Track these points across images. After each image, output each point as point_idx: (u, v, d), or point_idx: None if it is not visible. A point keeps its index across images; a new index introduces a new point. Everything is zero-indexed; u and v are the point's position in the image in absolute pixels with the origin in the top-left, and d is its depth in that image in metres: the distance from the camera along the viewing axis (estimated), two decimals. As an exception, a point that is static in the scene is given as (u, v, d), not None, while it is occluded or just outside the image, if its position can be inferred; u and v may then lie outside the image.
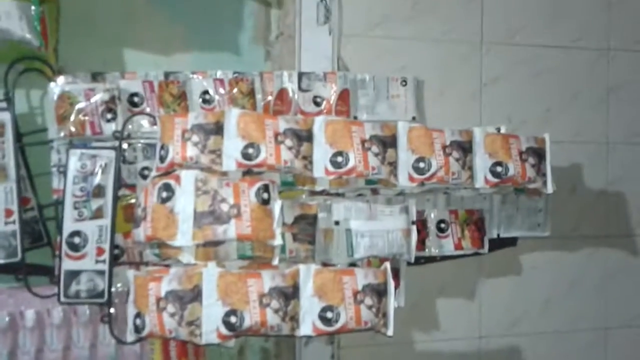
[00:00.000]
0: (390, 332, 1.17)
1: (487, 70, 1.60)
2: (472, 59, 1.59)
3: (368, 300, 1.16)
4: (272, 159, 1.17)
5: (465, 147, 1.29)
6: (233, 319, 1.08)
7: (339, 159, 1.21)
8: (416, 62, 1.53)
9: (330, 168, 1.21)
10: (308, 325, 1.13)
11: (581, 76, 1.70)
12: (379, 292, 1.17)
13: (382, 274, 1.19)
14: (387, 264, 1.20)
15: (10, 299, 1.20)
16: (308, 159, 1.21)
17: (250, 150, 1.16)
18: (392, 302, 1.18)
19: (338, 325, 1.13)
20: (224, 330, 1.09)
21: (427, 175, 1.26)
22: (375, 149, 1.24)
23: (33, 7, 1.16)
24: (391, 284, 1.19)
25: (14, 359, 1.19)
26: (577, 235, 1.69)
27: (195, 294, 1.08)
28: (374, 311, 1.17)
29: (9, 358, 1.18)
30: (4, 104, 1.19)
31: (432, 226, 1.42)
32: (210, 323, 1.08)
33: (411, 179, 1.26)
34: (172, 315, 1.08)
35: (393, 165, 1.25)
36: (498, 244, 1.50)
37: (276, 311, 1.10)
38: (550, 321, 1.69)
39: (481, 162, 1.30)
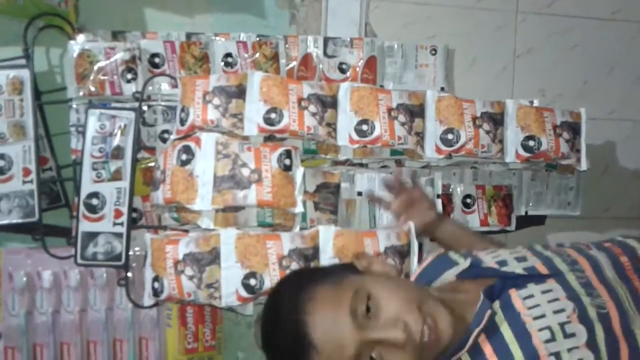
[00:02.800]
0: None
1: (521, 40, 1.53)
2: (505, 28, 1.52)
3: (390, 262, 1.11)
4: (295, 124, 1.13)
5: (496, 119, 1.24)
6: (253, 282, 1.06)
7: (364, 127, 1.17)
8: (447, 30, 1.47)
9: (355, 136, 1.17)
10: None
11: (619, 50, 1.62)
12: (402, 253, 1.13)
13: (405, 235, 1.15)
14: (411, 224, 1.16)
15: (28, 259, 1.20)
16: (332, 126, 1.17)
17: (273, 115, 1.12)
18: (415, 263, 1.15)
19: None
20: (243, 293, 1.06)
21: (456, 147, 1.21)
22: (402, 118, 1.19)
23: (54, -39, 1.13)
24: (415, 244, 1.15)
25: (31, 319, 1.19)
26: (608, 216, 1.63)
27: (214, 257, 1.06)
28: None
29: (26, 318, 1.18)
30: (22, 61, 1.17)
31: (457, 201, 1.37)
32: (230, 285, 1.06)
33: (438, 150, 1.21)
34: (191, 278, 1.06)
35: (420, 135, 1.21)
36: (526, 221, 1.45)
37: (297, 273, 1.07)
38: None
39: (513, 135, 1.25)
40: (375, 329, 0.74)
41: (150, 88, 1.20)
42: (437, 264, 0.95)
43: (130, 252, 1.17)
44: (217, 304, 1.07)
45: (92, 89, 1.17)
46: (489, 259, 0.88)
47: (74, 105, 1.19)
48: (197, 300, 1.08)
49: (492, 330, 0.77)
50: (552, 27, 1.55)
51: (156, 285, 1.10)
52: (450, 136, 1.22)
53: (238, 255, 1.06)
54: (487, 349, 0.76)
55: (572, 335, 0.75)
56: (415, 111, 1.21)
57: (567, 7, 1.56)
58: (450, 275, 0.90)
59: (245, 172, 1.08)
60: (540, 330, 0.76)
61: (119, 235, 1.14)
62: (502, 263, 0.86)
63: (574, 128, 1.28)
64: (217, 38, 1.27)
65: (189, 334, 1.25)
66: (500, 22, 1.52)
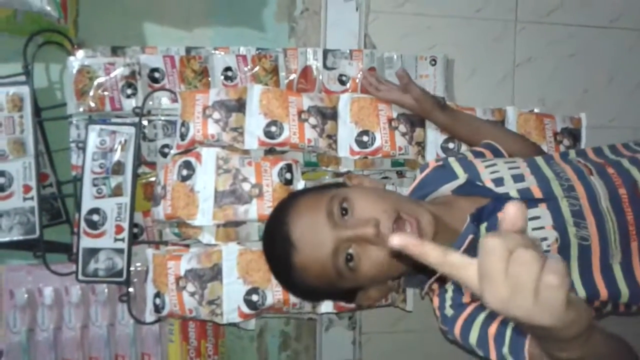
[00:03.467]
0: (409, 308, 1.17)
1: (521, 50, 1.53)
2: (505, 38, 1.52)
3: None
4: (296, 137, 1.13)
5: (497, 128, 1.24)
6: (255, 297, 1.06)
7: (365, 138, 1.17)
8: (446, 40, 1.47)
9: (356, 147, 1.17)
10: (329, 304, 1.11)
11: (618, 58, 1.62)
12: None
13: None
14: None
15: (29, 276, 1.19)
16: (333, 137, 1.17)
17: (273, 128, 1.12)
18: None
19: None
20: (245, 309, 1.06)
21: (457, 156, 1.21)
22: (402, 128, 1.19)
23: (53, -22, 1.13)
24: None
25: (33, 336, 1.18)
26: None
27: (215, 273, 1.06)
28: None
29: (27, 335, 1.17)
30: (22, 78, 1.17)
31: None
32: (232, 302, 1.06)
33: (439, 160, 1.21)
34: (192, 294, 1.06)
35: (421, 145, 1.21)
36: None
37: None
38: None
39: (514, 143, 1.25)
40: (349, 227, 0.79)
41: (150, 103, 1.20)
42: (436, 175, 0.96)
43: (132, 268, 1.17)
44: (218, 320, 1.06)
45: (92, 104, 1.17)
46: (486, 173, 0.90)
47: (74, 121, 1.19)
48: (198, 317, 1.07)
49: (475, 252, 0.81)
50: (552, 35, 1.55)
51: (158, 301, 1.10)
52: (451, 145, 1.22)
53: (240, 271, 1.05)
54: None
55: None
56: (415, 121, 1.21)
57: (565, 16, 1.55)
58: (446, 189, 0.92)
59: (246, 186, 1.08)
60: None
61: (120, 251, 1.14)
62: (499, 181, 0.87)
63: (574, 134, 1.28)
64: (217, 52, 1.27)
65: (191, 349, 1.25)
66: (500, 31, 1.52)
